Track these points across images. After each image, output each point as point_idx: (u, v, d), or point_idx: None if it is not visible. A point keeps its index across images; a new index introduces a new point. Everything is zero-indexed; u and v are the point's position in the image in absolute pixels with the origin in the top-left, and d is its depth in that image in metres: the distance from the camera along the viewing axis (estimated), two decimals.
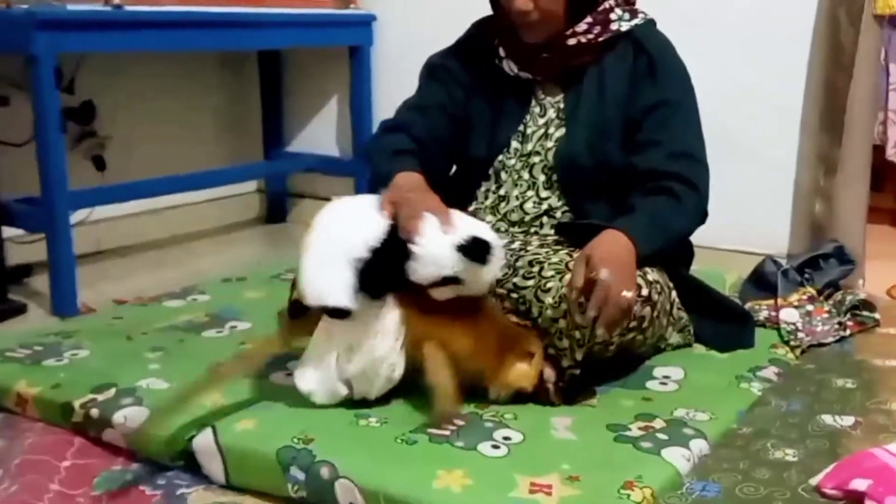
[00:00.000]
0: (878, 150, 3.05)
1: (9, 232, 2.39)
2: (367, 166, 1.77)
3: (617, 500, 1.25)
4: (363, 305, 1.45)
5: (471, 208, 1.81)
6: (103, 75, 2.65)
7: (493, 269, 1.50)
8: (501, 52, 1.78)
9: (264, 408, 1.51)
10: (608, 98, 1.74)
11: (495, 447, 1.39)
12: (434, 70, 1.86)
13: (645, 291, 1.57)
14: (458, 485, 1.28)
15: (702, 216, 1.73)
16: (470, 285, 1.49)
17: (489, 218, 1.78)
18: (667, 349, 1.79)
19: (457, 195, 1.79)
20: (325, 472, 1.32)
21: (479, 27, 1.86)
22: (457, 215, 1.52)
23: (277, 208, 3.20)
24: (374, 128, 2.97)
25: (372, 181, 1.69)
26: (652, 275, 1.61)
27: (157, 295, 2.16)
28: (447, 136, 1.81)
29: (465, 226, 1.50)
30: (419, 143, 1.74)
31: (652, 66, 1.73)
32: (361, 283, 1.44)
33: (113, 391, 1.57)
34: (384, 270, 1.46)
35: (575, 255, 1.59)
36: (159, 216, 2.88)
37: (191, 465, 1.44)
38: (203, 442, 1.43)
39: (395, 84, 3.00)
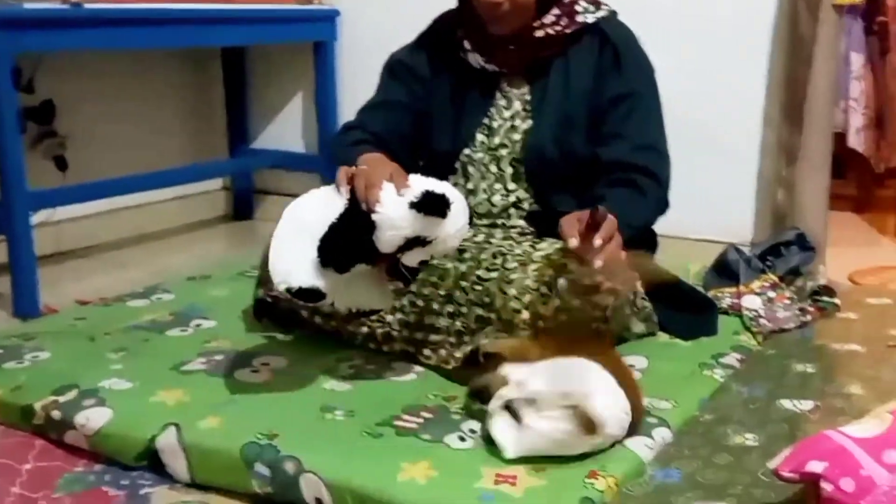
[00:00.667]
0: (840, 138, 3.10)
1: None
2: (332, 166, 1.75)
3: (581, 489, 1.26)
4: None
5: None
6: (63, 74, 2.62)
7: (456, 222, 1.47)
8: (466, 44, 1.78)
9: (228, 405, 1.50)
10: (574, 90, 1.75)
11: (462, 439, 1.39)
12: (393, 68, 1.86)
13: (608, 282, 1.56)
14: (422, 476, 1.28)
15: (663, 208, 1.76)
16: (437, 245, 1.47)
17: None
18: (630, 339, 1.80)
19: None
20: (290, 467, 1.32)
21: (442, 21, 1.86)
22: (414, 178, 1.49)
23: (244, 205, 3.18)
24: (340, 123, 3.00)
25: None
26: None
27: (120, 295, 2.14)
28: (408, 133, 1.81)
29: (421, 184, 1.47)
30: (378, 137, 1.74)
31: (617, 58, 1.75)
32: (322, 259, 1.42)
33: (75, 392, 1.55)
34: (344, 243, 1.43)
35: (539, 245, 1.60)
36: (123, 215, 2.85)
37: (155, 464, 1.43)
38: (166, 441, 1.42)
39: (359, 79, 2.98)
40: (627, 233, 1.62)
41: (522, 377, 1.35)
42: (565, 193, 1.75)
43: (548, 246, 1.61)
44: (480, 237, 1.71)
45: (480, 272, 1.60)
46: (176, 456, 1.41)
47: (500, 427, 1.33)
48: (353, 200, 1.47)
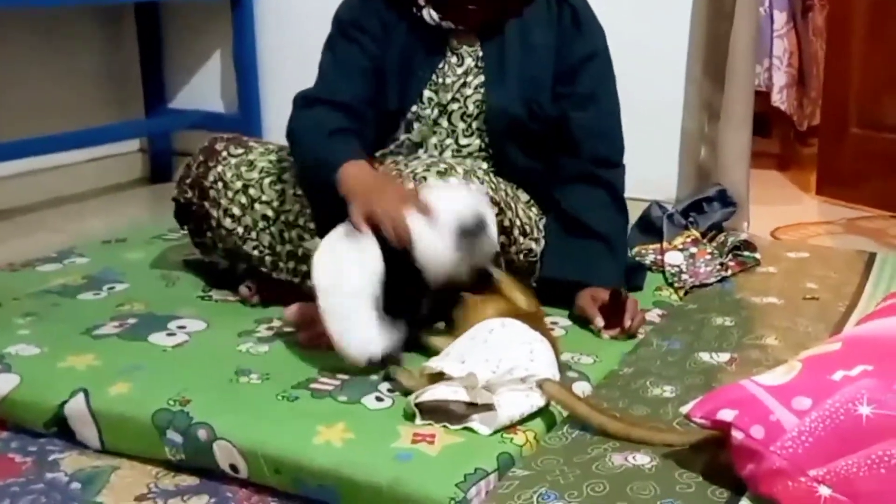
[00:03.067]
0: (764, 96, 3.15)
1: None
2: (293, 149, 1.68)
3: (500, 444, 1.26)
4: None
5: (381, 155, 1.79)
6: None
7: (492, 229, 1.49)
8: (421, 0, 1.74)
9: (140, 369, 1.46)
10: (537, 49, 1.76)
11: (379, 399, 1.37)
12: (345, 28, 1.76)
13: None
14: (338, 439, 1.26)
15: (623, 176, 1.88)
16: (482, 254, 1.48)
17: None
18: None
19: (371, 145, 1.76)
20: (202, 434, 1.29)
21: None
22: (428, 192, 1.47)
23: (162, 168, 3.09)
24: (260, 81, 2.93)
25: (309, 168, 1.63)
26: (496, 194, 1.62)
27: (29, 260, 2.06)
28: (373, 95, 1.74)
29: (444, 204, 1.44)
30: (349, 112, 1.67)
31: (576, 18, 1.77)
32: (394, 316, 1.41)
33: None
34: (404, 295, 1.43)
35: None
36: (36, 178, 2.75)
37: (65, 431, 1.39)
38: (75, 407, 1.38)
39: (278, 35, 2.92)
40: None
41: (457, 369, 1.32)
42: (524, 148, 1.77)
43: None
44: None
45: None
46: (85, 423, 1.37)
47: (477, 424, 1.30)
48: (385, 244, 1.42)
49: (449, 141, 1.77)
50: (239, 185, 1.72)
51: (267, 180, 1.72)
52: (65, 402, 1.38)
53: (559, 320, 1.71)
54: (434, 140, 1.77)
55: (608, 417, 1.30)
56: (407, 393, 1.36)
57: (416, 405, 1.31)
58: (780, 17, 3.19)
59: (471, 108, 1.76)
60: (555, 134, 1.78)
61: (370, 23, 1.76)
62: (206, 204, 1.75)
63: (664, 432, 1.27)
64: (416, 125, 1.78)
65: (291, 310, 1.56)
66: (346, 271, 1.42)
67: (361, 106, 1.70)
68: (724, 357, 1.56)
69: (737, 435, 1.10)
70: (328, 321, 1.40)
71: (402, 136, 1.79)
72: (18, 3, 2.38)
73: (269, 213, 1.70)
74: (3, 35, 2.62)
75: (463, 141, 1.77)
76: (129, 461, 1.33)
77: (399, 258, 1.42)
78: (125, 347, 1.55)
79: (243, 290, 1.77)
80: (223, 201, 1.73)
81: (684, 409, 1.18)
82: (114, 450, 1.35)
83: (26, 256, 2.09)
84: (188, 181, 1.79)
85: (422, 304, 1.50)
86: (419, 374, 1.37)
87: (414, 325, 1.48)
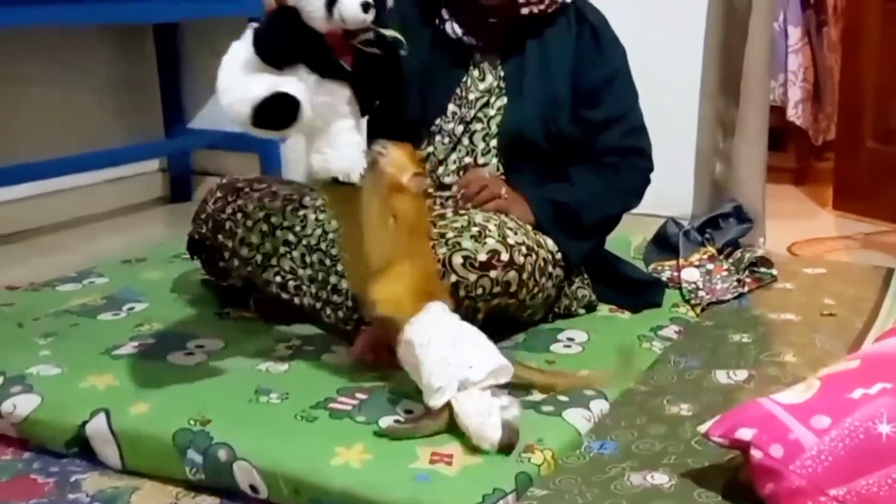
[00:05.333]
0: (780, 111, 3.14)
1: None
2: None
3: (517, 463, 1.26)
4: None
5: None
6: None
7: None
8: (445, 13, 1.75)
9: (160, 389, 1.47)
10: (555, 70, 1.76)
11: (397, 421, 1.37)
12: None
13: (505, 256, 1.55)
14: (357, 460, 1.26)
15: (649, 178, 1.86)
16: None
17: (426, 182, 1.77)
18: (575, 307, 1.80)
19: None
20: (222, 454, 1.30)
21: None
22: None
23: (181, 187, 3.11)
24: None
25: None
26: (514, 237, 1.58)
27: (50, 280, 2.08)
28: None
29: None
30: None
31: (596, 38, 1.78)
32: (260, 54, 1.31)
33: (1, 379, 1.51)
34: (279, 32, 1.33)
35: (440, 222, 1.61)
36: (56, 199, 2.77)
37: (86, 451, 1.40)
38: (96, 427, 1.39)
39: None
40: (591, 218, 1.74)
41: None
42: (530, 169, 1.76)
43: (447, 224, 1.59)
44: None
45: None
46: (106, 443, 1.38)
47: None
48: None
49: (468, 160, 1.78)
50: (261, 214, 1.73)
51: (289, 208, 1.73)
52: (86, 423, 1.39)
53: (575, 335, 1.71)
54: (454, 157, 1.78)
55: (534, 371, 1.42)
56: None
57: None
58: (795, 33, 3.19)
59: (493, 128, 1.77)
60: (571, 152, 1.78)
61: (402, 8, 1.77)
62: (220, 237, 1.76)
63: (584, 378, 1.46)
64: (437, 138, 1.79)
65: (357, 350, 1.57)
66: (244, 46, 1.36)
67: None
68: (741, 375, 1.56)
69: (756, 454, 1.10)
70: (219, 86, 1.34)
71: (422, 149, 1.79)
72: (41, 21, 2.40)
73: (291, 237, 1.71)
74: (23, 55, 2.64)
75: (480, 160, 1.77)
76: (150, 481, 1.34)
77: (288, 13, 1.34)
78: (145, 367, 1.56)
79: (251, 304, 1.80)
80: (240, 231, 1.73)
81: (702, 428, 1.18)
82: (134, 469, 1.36)
83: (47, 277, 2.11)
84: (203, 216, 1.81)
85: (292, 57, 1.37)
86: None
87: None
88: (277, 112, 1.30)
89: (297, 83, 1.33)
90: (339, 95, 1.38)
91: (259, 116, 1.29)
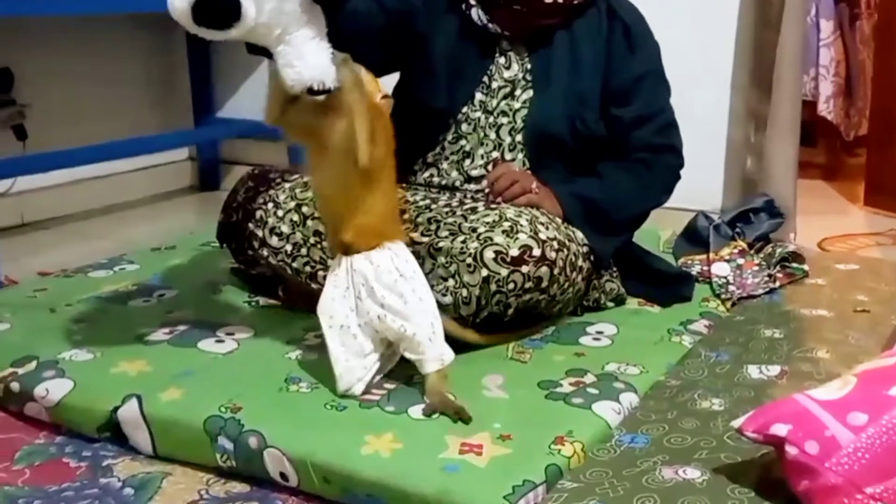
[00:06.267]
0: (811, 105, 3.11)
1: None
2: None
3: (547, 455, 1.25)
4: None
5: (430, 158, 1.80)
6: (21, 42, 2.56)
7: None
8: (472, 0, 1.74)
9: (191, 375, 1.47)
10: (584, 65, 1.74)
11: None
12: None
13: (537, 251, 1.54)
14: (387, 449, 1.26)
15: (678, 175, 1.85)
16: None
17: (454, 174, 1.78)
18: (604, 300, 1.79)
19: (416, 143, 1.78)
20: (253, 441, 1.30)
21: None
22: None
23: (210, 176, 3.13)
24: None
25: None
26: (545, 232, 1.57)
27: (82, 266, 2.10)
28: (368, 19, 1.66)
29: None
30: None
31: (629, 36, 1.75)
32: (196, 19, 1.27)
33: (34, 364, 1.52)
34: None
35: (471, 217, 1.60)
36: (86, 186, 2.80)
37: (117, 436, 1.41)
38: (128, 413, 1.39)
39: None
40: (621, 215, 1.73)
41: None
42: (559, 166, 1.75)
43: (478, 218, 1.59)
44: (424, 201, 1.71)
45: (415, 235, 1.63)
46: (138, 428, 1.39)
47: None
48: None
49: (495, 154, 1.77)
50: (292, 204, 1.73)
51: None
52: (118, 408, 1.40)
53: (605, 329, 1.70)
54: (481, 151, 1.77)
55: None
56: None
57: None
58: (827, 26, 3.15)
59: (518, 122, 1.76)
60: (599, 149, 1.77)
61: None
62: (251, 225, 1.76)
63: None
64: (464, 126, 1.78)
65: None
66: None
67: (355, 14, 1.60)
68: (774, 370, 1.54)
69: (791, 450, 1.09)
70: None
71: (450, 138, 1.78)
72: (73, 10, 2.42)
73: (322, 227, 1.72)
74: (55, 44, 2.67)
75: (508, 155, 1.76)
76: (181, 467, 1.35)
77: None
78: (176, 354, 1.57)
79: (280, 293, 1.81)
80: (271, 220, 1.73)
81: (736, 423, 1.17)
82: (166, 455, 1.37)
83: (78, 263, 2.13)
84: (234, 205, 1.81)
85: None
86: None
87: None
88: (217, 9, 1.27)
89: None
90: (291, 10, 1.34)
91: (198, 12, 1.26)
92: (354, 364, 1.40)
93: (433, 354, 1.40)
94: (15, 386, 1.48)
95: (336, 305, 1.40)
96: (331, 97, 1.36)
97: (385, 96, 1.42)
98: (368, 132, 1.36)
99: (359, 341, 1.40)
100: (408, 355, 1.41)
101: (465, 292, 1.54)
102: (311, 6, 1.37)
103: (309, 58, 1.35)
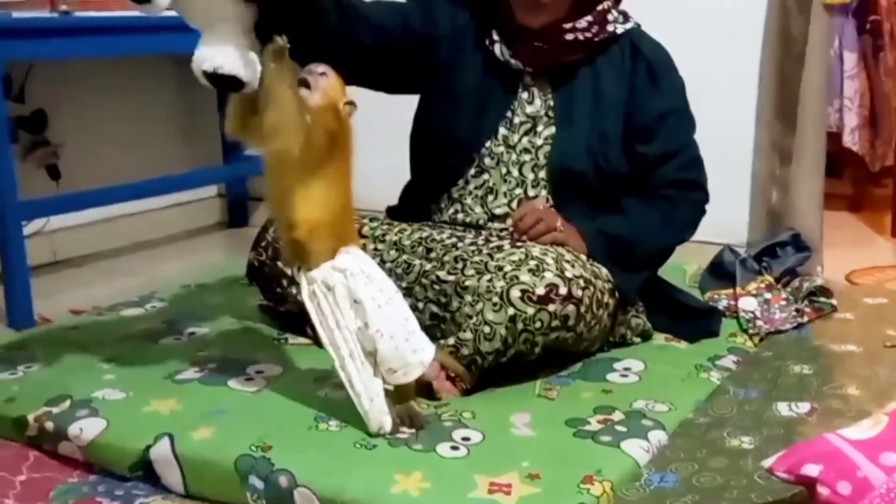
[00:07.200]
0: (836, 137, 3.10)
1: None
2: None
3: (576, 495, 1.25)
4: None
5: (455, 194, 1.81)
6: (54, 83, 2.61)
7: None
8: (495, 34, 1.77)
9: (222, 414, 1.49)
10: (606, 102, 1.75)
11: (454, 448, 1.38)
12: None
13: (563, 290, 1.54)
14: (415, 488, 1.27)
15: (704, 210, 1.85)
16: None
17: (478, 210, 1.78)
18: (630, 336, 1.79)
19: (440, 177, 1.80)
20: (283, 480, 1.31)
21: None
22: None
23: (239, 212, 3.17)
24: None
25: None
26: (571, 270, 1.58)
27: (113, 304, 2.13)
28: (391, 34, 1.72)
29: None
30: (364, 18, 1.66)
31: (652, 73, 1.76)
32: None
33: (68, 403, 1.54)
34: None
35: (497, 255, 1.61)
36: (117, 224, 2.84)
37: (149, 475, 1.42)
38: (160, 451, 1.41)
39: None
40: (645, 251, 1.74)
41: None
42: (582, 202, 1.75)
43: (504, 256, 1.60)
44: (451, 240, 1.72)
45: (441, 273, 1.65)
46: (170, 467, 1.40)
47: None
48: None
49: (518, 191, 1.77)
50: None
51: None
52: (150, 447, 1.42)
53: (632, 365, 1.70)
54: (504, 188, 1.78)
55: None
56: None
57: None
58: (851, 58, 3.15)
59: (541, 159, 1.76)
60: (622, 186, 1.77)
61: (440, 12, 1.79)
62: (279, 264, 1.78)
63: None
64: (487, 160, 1.79)
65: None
66: None
67: (379, 26, 1.68)
68: (803, 407, 1.53)
69: (823, 491, 1.08)
70: None
71: (473, 172, 1.79)
72: (105, 52, 2.47)
73: None
74: (86, 84, 2.72)
75: (531, 192, 1.77)
76: None
77: None
78: (206, 392, 1.59)
79: (308, 330, 1.81)
80: None
81: (766, 463, 1.16)
82: (197, 494, 1.38)
83: (109, 301, 2.17)
84: (263, 244, 1.84)
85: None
86: None
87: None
88: None
89: None
90: (220, 5, 1.42)
91: None
92: (374, 391, 1.40)
93: (414, 359, 1.42)
94: (49, 425, 1.50)
95: (335, 335, 1.41)
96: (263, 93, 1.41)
97: (349, 102, 1.45)
98: (295, 121, 1.38)
99: (366, 365, 1.41)
100: (388, 366, 1.41)
101: (487, 329, 1.54)
102: (241, 7, 1.43)
103: (221, 47, 1.42)
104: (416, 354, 1.43)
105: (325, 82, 1.43)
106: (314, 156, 1.41)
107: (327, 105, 1.42)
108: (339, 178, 1.45)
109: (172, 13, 1.50)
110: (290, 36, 1.41)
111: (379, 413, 1.40)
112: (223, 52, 1.41)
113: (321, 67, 1.44)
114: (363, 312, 1.39)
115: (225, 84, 1.42)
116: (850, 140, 3.16)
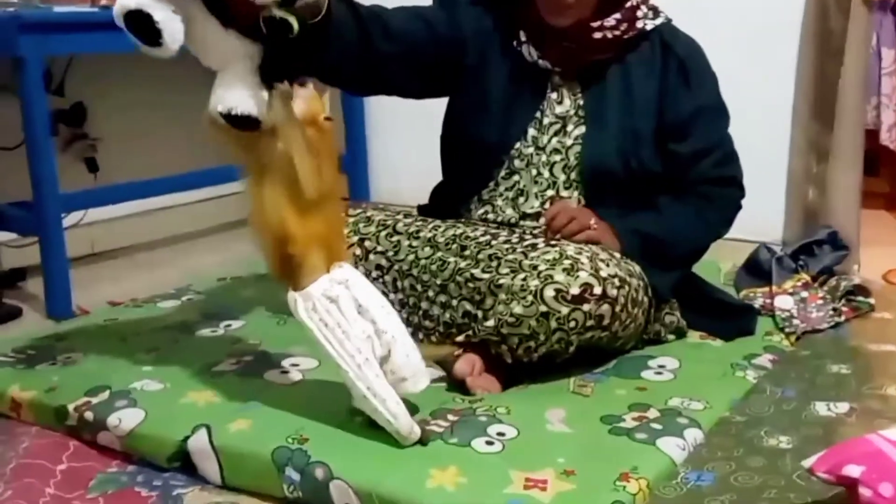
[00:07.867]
0: (873, 134, 3.07)
1: (2, 236, 2.40)
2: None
3: (612, 492, 1.25)
4: None
5: (485, 195, 1.81)
6: (93, 76, 2.64)
7: None
8: (522, 35, 1.76)
9: (258, 407, 1.50)
10: (637, 100, 1.74)
11: (489, 443, 1.38)
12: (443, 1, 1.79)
13: (598, 289, 1.53)
14: (451, 483, 1.27)
15: (740, 206, 1.84)
16: None
17: (508, 211, 1.78)
18: (664, 333, 1.79)
19: (470, 179, 1.80)
20: (319, 473, 1.32)
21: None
22: None
23: None
24: (367, 120, 3.00)
25: None
26: (606, 269, 1.56)
27: (151, 296, 2.15)
28: (415, 40, 1.71)
29: None
30: (387, 27, 1.64)
31: (684, 70, 1.74)
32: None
33: (107, 393, 1.57)
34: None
35: (531, 254, 1.60)
36: (155, 217, 2.87)
37: (187, 466, 1.44)
38: (198, 443, 1.43)
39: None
40: (680, 250, 1.74)
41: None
42: (615, 201, 1.74)
43: (539, 255, 1.59)
44: (485, 237, 1.71)
45: (475, 271, 1.64)
46: (207, 458, 1.42)
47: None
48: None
49: (550, 192, 1.76)
50: (355, 238, 1.76)
51: (383, 233, 1.76)
52: (187, 438, 1.43)
53: (667, 362, 1.69)
54: (535, 189, 1.77)
55: None
56: None
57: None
58: (889, 55, 3.10)
59: (572, 159, 1.75)
60: (656, 184, 1.76)
61: (464, 15, 1.77)
62: None
63: None
64: (516, 162, 1.78)
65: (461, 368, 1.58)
66: None
67: (402, 34, 1.66)
68: (842, 407, 1.52)
69: (864, 492, 1.07)
70: None
71: (503, 174, 1.78)
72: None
73: (384, 262, 1.74)
74: (124, 77, 2.75)
75: (563, 193, 1.76)
76: (249, 497, 1.37)
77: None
78: (243, 384, 1.60)
79: None
80: None
81: (806, 463, 1.16)
82: (234, 485, 1.40)
83: (146, 293, 2.19)
84: None
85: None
86: None
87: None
88: (139, 27, 1.42)
89: (169, 10, 1.41)
90: (231, 46, 1.45)
91: (128, 25, 1.41)
92: (397, 398, 1.38)
93: (422, 367, 1.42)
94: (89, 415, 1.52)
95: (346, 345, 1.37)
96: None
97: (328, 118, 1.45)
98: (311, 165, 1.38)
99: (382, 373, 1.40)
100: (400, 375, 1.40)
101: (511, 319, 1.54)
102: (249, 47, 1.45)
103: (233, 87, 1.44)
104: (424, 362, 1.42)
105: (305, 92, 1.43)
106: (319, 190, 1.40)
107: (307, 119, 1.42)
108: (329, 191, 1.44)
109: None
110: (308, 60, 1.43)
111: (407, 416, 1.38)
112: (235, 92, 1.44)
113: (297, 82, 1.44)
114: (372, 319, 1.38)
115: (241, 123, 1.43)
116: (888, 138, 3.11)
